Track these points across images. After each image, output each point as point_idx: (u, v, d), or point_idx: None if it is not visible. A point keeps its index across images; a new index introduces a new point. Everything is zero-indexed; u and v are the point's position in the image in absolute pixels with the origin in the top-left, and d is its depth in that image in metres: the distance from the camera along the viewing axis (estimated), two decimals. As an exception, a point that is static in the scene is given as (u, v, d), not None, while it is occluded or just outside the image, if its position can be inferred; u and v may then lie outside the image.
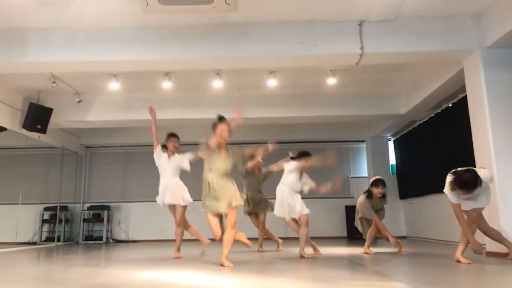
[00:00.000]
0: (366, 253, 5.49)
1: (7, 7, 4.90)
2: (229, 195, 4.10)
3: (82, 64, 5.49)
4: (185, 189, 5.33)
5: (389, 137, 10.31)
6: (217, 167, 4.15)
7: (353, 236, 9.59)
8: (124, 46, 5.38)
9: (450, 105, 7.07)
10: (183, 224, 5.31)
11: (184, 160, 5.36)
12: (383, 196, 5.55)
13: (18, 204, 10.01)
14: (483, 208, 4.11)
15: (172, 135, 5.42)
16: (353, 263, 4.35)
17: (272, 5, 4.97)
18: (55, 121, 8.09)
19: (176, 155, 5.38)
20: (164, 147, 5.44)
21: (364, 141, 10.57)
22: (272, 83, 6.91)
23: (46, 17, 5.14)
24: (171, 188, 5.24)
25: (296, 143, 10.52)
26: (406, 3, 4.91)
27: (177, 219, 5.26)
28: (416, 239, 8.97)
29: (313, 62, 5.52)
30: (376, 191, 5.44)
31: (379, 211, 5.64)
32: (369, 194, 5.52)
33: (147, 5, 4.22)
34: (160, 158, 5.37)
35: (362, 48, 5.21)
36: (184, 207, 5.28)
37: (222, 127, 4.10)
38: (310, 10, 5.11)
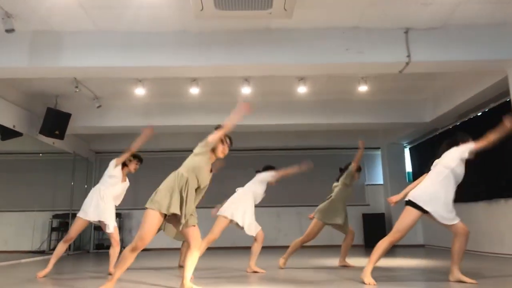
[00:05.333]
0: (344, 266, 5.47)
1: (46, 10, 4.68)
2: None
3: (118, 69, 5.32)
4: None
5: (405, 145, 10.27)
6: (204, 179, 3.44)
7: (371, 245, 9.53)
8: (161, 52, 5.21)
9: (480, 114, 7.04)
10: None
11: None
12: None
13: (25, 211, 9.70)
14: None
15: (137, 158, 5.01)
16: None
17: (320, 12, 4.85)
18: (72, 126, 7.82)
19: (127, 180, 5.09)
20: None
21: (379, 148, 10.50)
22: (302, 89, 6.78)
23: (84, 22, 4.94)
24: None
25: (310, 149, 10.46)
26: (455, 11, 4.83)
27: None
28: (435, 248, 8.92)
29: (357, 70, 5.43)
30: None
31: None
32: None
33: (202, 9, 4.05)
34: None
35: (408, 56, 5.12)
36: None
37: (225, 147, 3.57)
38: (357, 17, 5.00)
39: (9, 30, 4.74)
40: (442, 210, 3.69)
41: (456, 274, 3.77)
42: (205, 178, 3.39)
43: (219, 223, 4.76)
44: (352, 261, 5.81)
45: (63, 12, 4.74)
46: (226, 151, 3.57)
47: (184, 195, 3.24)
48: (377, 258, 3.75)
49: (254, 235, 4.89)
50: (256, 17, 4.26)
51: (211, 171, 3.49)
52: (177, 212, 3.19)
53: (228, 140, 3.58)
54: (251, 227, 4.85)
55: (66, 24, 5.03)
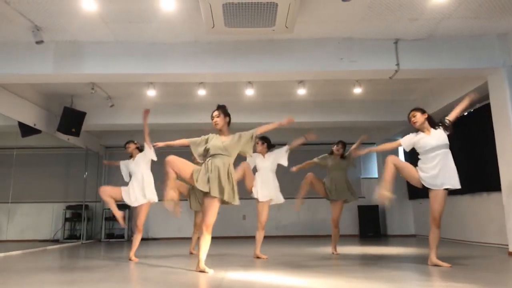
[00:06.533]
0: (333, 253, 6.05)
1: (71, 24, 5.22)
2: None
3: (135, 75, 5.86)
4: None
5: (398, 140, 10.83)
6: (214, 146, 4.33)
7: (365, 235, 10.17)
8: (175, 60, 5.74)
9: (466, 114, 7.59)
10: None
11: (147, 154, 5.88)
12: (343, 157, 6.56)
13: (41, 202, 10.28)
14: None
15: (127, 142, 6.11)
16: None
17: (318, 25, 5.38)
18: (86, 123, 8.37)
19: (139, 154, 5.91)
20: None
21: (375, 143, 11.06)
22: (301, 91, 7.32)
23: (105, 34, 5.48)
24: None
25: (309, 144, 11.02)
26: (439, 25, 5.37)
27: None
28: (425, 237, 9.51)
29: (351, 77, 5.96)
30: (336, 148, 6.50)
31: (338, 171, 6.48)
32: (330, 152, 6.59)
33: (213, 27, 4.58)
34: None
35: (398, 64, 5.67)
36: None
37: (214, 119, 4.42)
38: (350, 29, 5.53)
39: (39, 42, 5.27)
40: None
41: (433, 259, 4.37)
42: (216, 145, 4.27)
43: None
44: (347, 249, 6.41)
45: (87, 25, 5.27)
46: (216, 121, 4.38)
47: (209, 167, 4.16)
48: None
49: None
50: (261, 33, 4.79)
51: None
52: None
53: (213, 113, 4.42)
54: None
55: (88, 36, 5.56)
